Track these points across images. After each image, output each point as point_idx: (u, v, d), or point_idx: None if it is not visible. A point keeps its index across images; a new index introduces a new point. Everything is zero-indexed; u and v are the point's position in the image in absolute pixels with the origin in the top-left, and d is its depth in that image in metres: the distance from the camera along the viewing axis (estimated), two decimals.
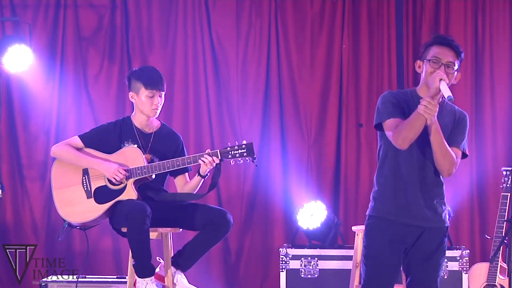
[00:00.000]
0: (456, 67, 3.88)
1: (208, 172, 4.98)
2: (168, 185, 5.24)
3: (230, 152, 4.88)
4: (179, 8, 6.96)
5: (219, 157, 4.89)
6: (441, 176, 3.96)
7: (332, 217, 6.29)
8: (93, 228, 5.35)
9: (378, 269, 3.92)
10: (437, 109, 3.75)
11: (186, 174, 5.15)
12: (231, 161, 4.89)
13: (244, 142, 4.89)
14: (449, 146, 3.86)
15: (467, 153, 3.98)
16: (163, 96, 5.09)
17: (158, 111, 5.08)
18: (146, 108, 5.04)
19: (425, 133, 3.81)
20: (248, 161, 4.89)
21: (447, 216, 6.13)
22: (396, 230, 3.89)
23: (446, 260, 6.04)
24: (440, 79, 3.77)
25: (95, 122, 6.67)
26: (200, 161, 4.90)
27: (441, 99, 3.87)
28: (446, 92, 3.73)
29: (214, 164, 4.89)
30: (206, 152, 4.91)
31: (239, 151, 4.87)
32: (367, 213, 4.00)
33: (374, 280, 3.93)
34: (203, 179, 5.03)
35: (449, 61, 3.87)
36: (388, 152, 3.92)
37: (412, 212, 3.89)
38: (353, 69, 6.92)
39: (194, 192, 5.09)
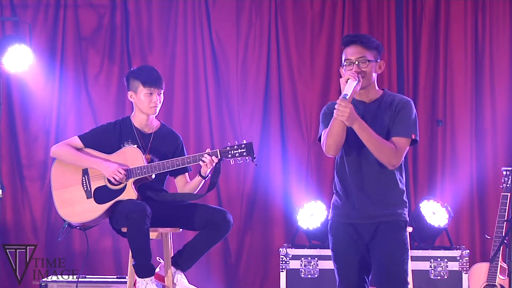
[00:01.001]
0: (371, 58, 3.89)
1: (209, 173, 4.98)
2: (168, 185, 5.24)
3: (229, 152, 4.88)
4: (179, 8, 6.96)
5: (219, 157, 4.89)
6: (395, 173, 3.93)
7: None
8: (93, 228, 5.34)
9: (346, 268, 3.98)
10: (349, 109, 3.77)
11: (186, 174, 5.16)
12: (231, 161, 4.89)
13: (244, 141, 4.89)
14: (390, 136, 3.87)
15: (415, 138, 3.93)
16: (162, 94, 5.09)
17: (158, 109, 5.08)
18: (145, 106, 5.04)
19: (355, 134, 3.85)
20: (247, 160, 4.89)
21: (446, 214, 6.16)
22: (351, 231, 3.95)
23: (446, 260, 6.05)
24: (347, 79, 3.81)
25: (95, 122, 6.67)
26: (199, 161, 4.90)
27: (379, 95, 3.93)
28: (347, 89, 3.78)
29: (214, 164, 4.89)
30: (206, 151, 4.91)
31: (239, 150, 4.87)
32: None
33: (345, 278, 3.98)
34: (204, 180, 5.03)
35: (359, 57, 3.89)
36: (337, 158, 4.00)
37: (360, 213, 3.93)
38: None
39: (195, 193, 5.09)
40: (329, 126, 3.86)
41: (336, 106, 3.79)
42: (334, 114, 3.80)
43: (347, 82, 3.82)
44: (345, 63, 3.92)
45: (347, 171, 3.94)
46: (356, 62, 3.89)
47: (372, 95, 3.97)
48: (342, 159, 3.96)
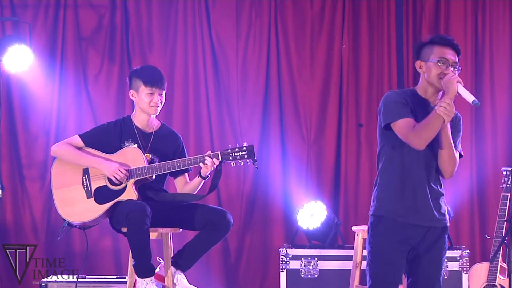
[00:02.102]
0: (458, 67, 3.93)
1: (209, 174, 4.98)
2: (168, 185, 5.24)
3: (230, 154, 4.88)
4: (179, 8, 6.96)
5: (220, 159, 4.88)
6: (440, 177, 4.00)
7: (332, 217, 6.29)
8: (93, 228, 5.35)
9: (387, 269, 3.93)
10: (454, 110, 3.80)
11: (186, 174, 5.16)
12: (232, 163, 4.89)
13: (245, 144, 4.88)
14: None
15: (463, 154, 4.05)
16: (163, 95, 5.09)
17: (159, 109, 5.08)
18: (145, 106, 5.05)
19: None
20: (248, 163, 4.89)
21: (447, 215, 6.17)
22: (403, 231, 3.91)
23: (446, 260, 6.05)
24: (457, 82, 3.81)
25: (95, 122, 6.67)
26: (200, 163, 4.90)
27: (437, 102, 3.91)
28: (469, 96, 3.79)
29: (215, 166, 4.89)
30: (207, 153, 4.91)
31: (240, 153, 4.87)
32: (370, 213, 3.99)
33: (383, 279, 3.93)
34: (203, 181, 5.03)
35: (454, 62, 3.92)
36: (393, 153, 3.94)
37: (420, 213, 3.92)
38: (353, 69, 6.92)
39: (194, 193, 5.10)
40: (428, 121, 3.79)
41: (444, 105, 3.76)
42: (438, 111, 3.76)
43: (457, 84, 3.79)
44: (441, 60, 3.89)
45: (414, 169, 3.91)
46: (452, 65, 3.89)
47: (436, 97, 3.96)
48: (407, 156, 3.90)
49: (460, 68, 3.93)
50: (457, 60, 3.92)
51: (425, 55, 3.95)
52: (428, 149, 3.88)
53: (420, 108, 3.89)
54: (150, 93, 5.03)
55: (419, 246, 3.92)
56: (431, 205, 3.93)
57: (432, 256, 3.94)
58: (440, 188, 4.01)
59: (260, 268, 6.87)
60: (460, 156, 4.01)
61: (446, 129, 3.83)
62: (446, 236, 4.01)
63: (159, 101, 5.06)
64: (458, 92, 3.79)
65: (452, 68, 3.88)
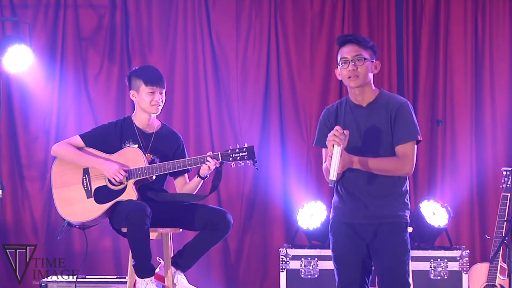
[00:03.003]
0: (366, 57, 3.92)
1: (207, 174, 4.98)
2: (168, 185, 5.24)
3: (231, 155, 4.88)
4: (179, 8, 6.96)
5: (220, 160, 4.88)
6: (400, 177, 3.96)
7: None
8: (93, 228, 5.35)
9: (346, 269, 3.99)
10: (343, 163, 3.82)
11: (186, 175, 5.16)
12: (232, 164, 4.89)
13: (245, 145, 4.89)
14: (396, 145, 3.89)
15: (419, 138, 3.96)
16: (164, 94, 5.09)
17: (160, 108, 5.08)
18: (146, 105, 5.05)
19: (359, 137, 3.89)
20: (249, 164, 4.89)
21: (446, 214, 6.16)
22: (354, 229, 3.96)
23: (446, 260, 6.05)
24: (333, 145, 3.82)
25: (95, 122, 6.67)
26: (200, 164, 4.90)
27: (375, 96, 3.95)
28: (332, 170, 3.81)
29: (215, 167, 4.89)
30: (207, 154, 4.91)
31: (240, 154, 4.87)
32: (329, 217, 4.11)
33: (345, 279, 3.99)
34: (202, 181, 5.03)
35: (355, 55, 3.91)
36: None
37: (363, 213, 3.94)
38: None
39: (194, 193, 5.10)
40: (327, 166, 3.87)
41: (333, 132, 3.81)
42: (327, 141, 3.83)
43: (333, 147, 3.82)
44: (341, 62, 3.93)
45: (350, 172, 3.93)
46: (352, 61, 3.90)
47: (368, 95, 3.98)
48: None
49: (369, 59, 3.91)
50: (360, 52, 3.91)
51: (336, 62, 4.00)
52: (361, 152, 3.90)
53: (350, 115, 3.93)
54: (151, 92, 5.03)
55: (372, 243, 3.95)
56: (371, 204, 3.92)
57: (387, 253, 3.92)
58: (391, 187, 3.94)
59: (260, 268, 6.87)
60: (418, 141, 3.95)
61: (356, 164, 3.86)
62: (404, 234, 3.95)
63: (160, 100, 5.06)
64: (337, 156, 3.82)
65: (356, 62, 3.88)
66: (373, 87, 4.00)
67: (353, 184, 3.95)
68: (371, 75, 3.96)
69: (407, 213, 3.98)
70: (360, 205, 3.93)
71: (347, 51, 3.92)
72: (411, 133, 3.91)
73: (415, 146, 3.94)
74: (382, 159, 3.89)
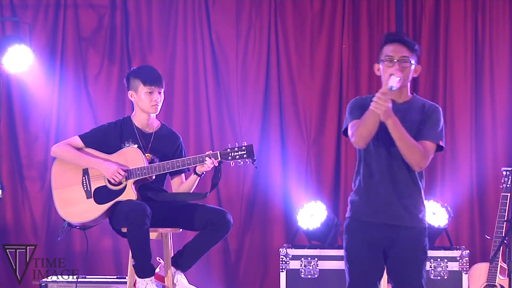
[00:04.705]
0: (412, 61, 3.91)
1: (204, 172, 4.98)
2: (168, 185, 5.24)
3: (230, 154, 4.88)
4: (179, 8, 6.96)
5: (219, 159, 4.88)
6: (418, 177, 3.94)
7: (332, 217, 6.29)
8: (93, 228, 5.36)
9: (360, 270, 3.95)
10: (389, 104, 3.76)
11: (183, 174, 5.16)
12: (231, 163, 4.88)
13: (245, 143, 4.88)
14: (419, 139, 3.87)
15: (442, 144, 3.95)
16: (162, 93, 5.09)
17: (159, 108, 5.08)
18: (146, 105, 5.05)
19: (388, 136, 3.84)
20: (248, 163, 4.89)
21: (446, 215, 6.15)
22: (373, 231, 3.92)
23: (446, 260, 6.05)
24: (390, 74, 3.81)
25: (95, 122, 6.67)
26: (199, 163, 4.90)
27: (410, 95, 3.92)
28: (391, 82, 3.78)
29: (213, 166, 4.89)
30: (206, 153, 4.91)
31: (239, 152, 4.87)
32: (346, 215, 4.05)
33: (358, 280, 3.96)
34: (199, 178, 5.03)
35: (402, 56, 3.90)
36: (360, 155, 3.97)
37: (386, 212, 3.90)
38: (353, 69, 6.92)
39: (191, 191, 5.09)
40: (363, 117, 3.83)
41: (374, 99, 3.76)
42: (371, 106, 3.77)
43: (390, 76, 3.81)
44: (385, 60, 3.91)
45: (376, 170, 3.91)
46: (398, 61, 3.89)
47: (403, 96, 3.96)
48: (370, 158, 3.92)
49: (414, 63, 3.91)
50: (406, 54, 3.90)
51: (379, 57, 3.97)
52: (388, 147, 3.87)
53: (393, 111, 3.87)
54: (150, 92, 5.03)
55: (393, 247, 3.91)
56: (397, 204, 3.90)
57: (407, 259, 3.91)
58: (413, 188, 3.94)
59: (260, 268, 6.87)
60: (440, 148, 3.95)
61: (391, 122, 3.79)
62: (424, 238, 3.95)
63: (159, 99, 5.06)
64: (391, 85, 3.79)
65: (401, 63, 3.87)
66: (409, 91, 3.99)
67: (377, 183, 3.90)
68: (410, 78, 3.95)
69: (425, 218, 3.98)
70: (386, 204, 3.89)
71: (394, 50, 3.90)
72: (437, 135, 3.93)
73: (435, 149, 3.93)
74: (411, 137, 3.85)
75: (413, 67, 3.93)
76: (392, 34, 4.01)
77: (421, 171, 3.92)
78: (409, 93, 3.99)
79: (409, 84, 3.98)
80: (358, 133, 3.84)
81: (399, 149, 3.84)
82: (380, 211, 3.90)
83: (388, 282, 4.22)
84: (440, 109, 3.99)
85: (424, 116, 3.93)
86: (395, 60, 3.88)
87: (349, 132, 3.92)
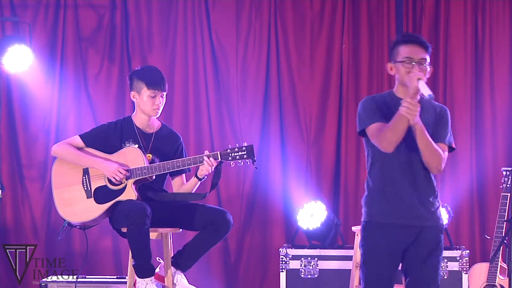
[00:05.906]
0: (428, 62, 3.92)
1: (205, 175, 4.98)
2: (168, 185, 5.25)
3: (230, 154, 4.87)
4: (179, 8, 6.96)
5: (219, 159, 4.88)
6: (432, 176, 3.96)
7: (332, 217, 6.29)
8: (93, 228, 5.35)
9: (378, 273, 3.94)
10: (418, 108, 3.77)
11: (184, 175, 5.16)
12: (231, 163, 4.88)
13: (245, 144, 4.88)
14: (435, 142, 3.89)
15: (454, 146, 4.01)
16: (164, 96, 5.10)
17: (160, 111, 5.09)
18: (147, 108, 5.05)
19: (408, 132, 3.83)
20: (248, 163, 4.89)
21: (446, 215, 6.16)
22: (393, 233, 3.91)
23: (446, 260, 6.05)
24: (418, 79, 3.80)
25: (95, 122, 6.67)
26: (199, 163, 4.90)
27: (419, 97, 3.90)
28: (426, 90, 3.77)
29: (214, 166, 4.89)
30: (206, 154, 4.91)
31: (239, 153, 4.86)
32: (362, 219, 4.01)
33: (375, 283, 3.94)
34: (200, 182, 5.03)
35: (420, 58, 3.91)
36: (375, 157, 3.95)
37: (407, 212, 3.90)
38: (353, 69, 6.92)
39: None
40: (392, 122, 3.80)
41: (406, 104, 3.75)
42: (401, 111, 3.76)
43: (418, 81, 3.79)
44: (404, 61, 3.90)
45: (394, 172, 3.90)
46: (417, 63, 3.89)
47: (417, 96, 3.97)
48: (387, 159, 3.90)
49: (428, 65, 3.92)
50: (424, 56, 3.91)
51: (393, 56, 3.96)
52: (409, 148, 3.87)
53: (396, 110, 3.86)
54: (153, 96, 5.03)
55: (413, 246, 3.91)
56: (417, 204, 3.90)
57: (426, 256, 3.91)
58: (430, 187, 3.96)
59: (260, 268, 6.87)
60: (452, 149, 3.99)
61: (418, 127, 3.80)
62: (441, 236, 3.97)
63: (161, 103, 5.06)
64: (419, 89, 3.78)
65: (419, 65, 3.88)
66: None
67: (396, 185, 3.89)
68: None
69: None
70: (405, 205, 3.88)
71: (412, 52, 3.91)
72: (450, 137, 3.99)
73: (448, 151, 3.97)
74: (433, 142, 3.87)
75: (429, 69, 3.93)
76: (410, 35, 4.02)
77: None
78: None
79: None
80: (388, 139, 3.82)
81: (422, 153, 3.85)
82: (401, 211, 3.89)
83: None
84: (448, 110, 4.02)
85: (437, 117, 3.96)
86: (415, 62, 3.89)
87: (372, 136, 3.88)
